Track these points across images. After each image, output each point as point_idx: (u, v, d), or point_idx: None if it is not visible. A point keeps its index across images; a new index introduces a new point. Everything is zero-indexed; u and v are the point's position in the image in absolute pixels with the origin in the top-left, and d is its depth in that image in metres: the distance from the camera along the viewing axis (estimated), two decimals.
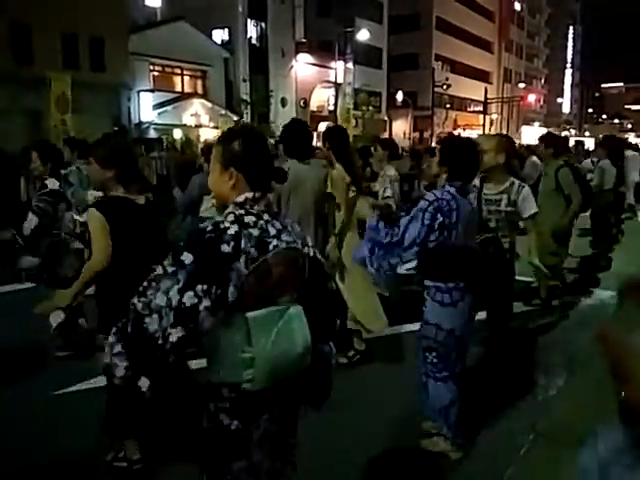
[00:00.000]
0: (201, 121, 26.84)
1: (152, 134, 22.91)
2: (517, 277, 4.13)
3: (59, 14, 19.29)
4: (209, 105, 27.11)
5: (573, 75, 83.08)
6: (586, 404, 3.23)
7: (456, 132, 42.96)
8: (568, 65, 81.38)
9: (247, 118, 29.21)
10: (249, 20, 30.62)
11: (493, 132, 44.11)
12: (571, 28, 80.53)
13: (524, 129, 58.26)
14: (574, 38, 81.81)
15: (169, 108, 25.32)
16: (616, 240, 7.69)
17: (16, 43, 18.90)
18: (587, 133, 55.60)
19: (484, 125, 44.31)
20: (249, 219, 1.59)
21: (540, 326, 4.91)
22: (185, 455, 2.81)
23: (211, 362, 1.61)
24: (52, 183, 3.96)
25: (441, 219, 2.72)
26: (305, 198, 3.71)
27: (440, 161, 2.94)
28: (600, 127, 60.00)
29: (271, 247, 1.59)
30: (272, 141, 30.04)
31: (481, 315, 4.72)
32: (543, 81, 74.48)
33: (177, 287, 1.44)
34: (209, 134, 26.37)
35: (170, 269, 1.48)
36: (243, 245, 1.53)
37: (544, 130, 54.78)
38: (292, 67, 33.22)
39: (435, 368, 2.84)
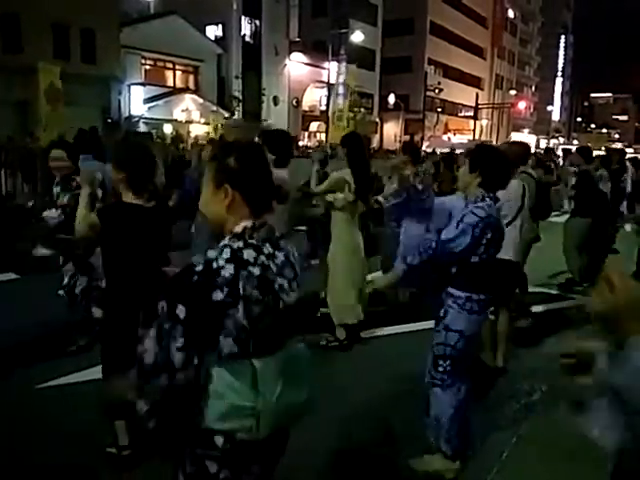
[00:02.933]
0: (192, 117, 26.69)
1: (142, 128, 22.72)
2: None
3: (49, 4, 19.09)
4: (200, 101, 26.97)
5: (563, 84, 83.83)
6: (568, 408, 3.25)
7: (446, 136, 43.28)
8: (559, 74, 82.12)
9: (238, 115, 29.12)
10: (243, 17, 30.53)
11: (483, 138, 44.44)
12: (563, 37, 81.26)
13: (514, 136, 58.72)
14: (565, 47, 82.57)
15: (160, 102, 25.15)
16: (609, 249, 7.75)
17: (5, 32, 18.67)
18: (575, 142, 56.14)
19: (474, 130, 44.59)
20: (248, 255, 1.41)
21: (522, 331, 4.94)
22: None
23: (202, 407, 1.41)
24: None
25: (490, 235, 2.66)
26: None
27: (473, 170, 2.78)
28: (588, 136, 60.60)
29: (276, 287, 1.44)
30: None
31: None
32: (534, 89, 75.12)
33: (176, 346, 1.34)
34: (199, 130, 26.25)
35: (167, 325, 1.35)
36: (242, 290, 1.36)
37: (533, 137, 55.15)
38: (285, 66, 33.17)
39: (446, 376, 2.75)
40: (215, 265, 1.37)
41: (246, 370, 1.39)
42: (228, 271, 1.36)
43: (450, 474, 2.79)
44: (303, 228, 6.94)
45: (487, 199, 2.72)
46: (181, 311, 1.34)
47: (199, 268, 1.37)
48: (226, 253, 1.39)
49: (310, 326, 3.73)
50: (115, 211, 2.71)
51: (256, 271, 1.40)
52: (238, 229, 1.46)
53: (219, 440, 1.42)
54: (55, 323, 4.36)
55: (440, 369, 2.75)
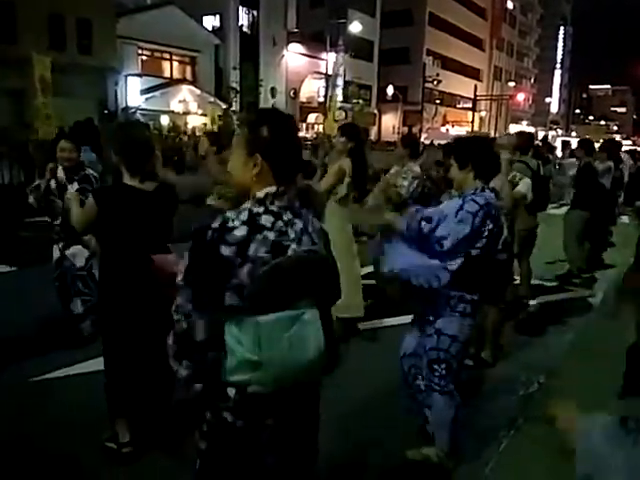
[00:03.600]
0: (189, 108, 26.55)
1: (139, 119, 22.60)
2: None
3: None
4: (198, 92, 26.82)
5: (562, 76, 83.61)
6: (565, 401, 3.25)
7: (444, 128, 43.19)
8: (558, 65, 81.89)
9: (236, 106, 28.97)
10: (241, 7, 30.31)
11: (481, 130, 44.36)
12: (562, 29, 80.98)
13: (512, 127, 58.62)
14: (564, 39, 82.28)
15: (157, 93, 25.00)
16: (606, 242, 7.74)
17: (0, 22, 18.48)
18: (574, 133, 56.05)
19: (473, 122, 44.50)
20: (266, 220, 1.47)
21: (520, 323, 4.94)
22: (175, 441, 2.81)
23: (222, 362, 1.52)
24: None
25: (490, 226, 2.55)
26: None
27: (463, 166, 2.68)
28: (587, 128, 60.52)
29: (290, 252, 1.48)
30: None
31: None
32: (532, 80, 74.93)
33: (190, 303, 1.48)
34: (197, 121, 26.12)
35: (181, 282, 1.50)
36: (252, 251, 1.43)
37: (531, 129, 55.30)
38: (283, 57, 32.98)
39: (444, 381, 2.66)
40: (230, 224, 1.45)
41: (251, 326, 1.44)
42: (241, 232, 1.44)
43: (448, 465, 2.77)
44: None
45: (487, 190, 2.65)
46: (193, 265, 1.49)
47: (215, 225, 1.46)
48: (244, 215, 1.47)
49: None
50: (112, 192, 2.71)
51: (271, 235, 1.46)
52: (260, 194, 1.51)
53: (231, 392, 1.51)
54: (51, 315, 4.33)
55: (437, 374, 2.67)
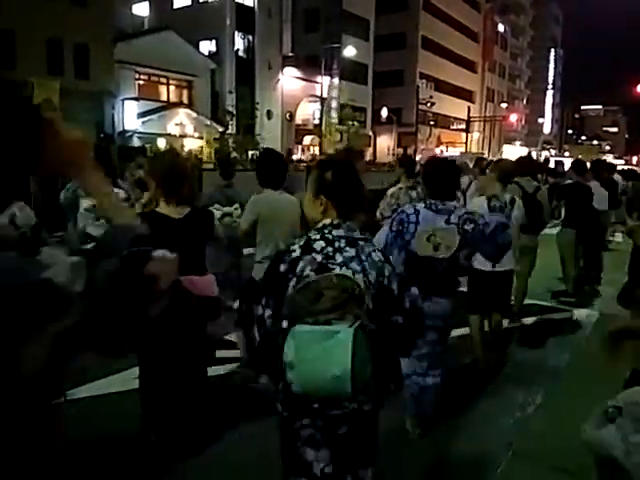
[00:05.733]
0: (186, 131, 26.77)
1: (136, 143, 22.75)
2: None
3: (43, 19, 19.16)
4: (194, 115, 27.07)
5: (554, 96, 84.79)
6: (563, 422, 3.24)
7: (439, 149, 43.57)
8: (549, 86, 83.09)
9: (232, 129, 29.23)
10: (236, 32, 30.78)
11: (475, 150, 44.79)
12: (553, 51, 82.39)
13: (505, 148, 59.19)
14: (555, 60, 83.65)
15: (154, 117, 25.22)
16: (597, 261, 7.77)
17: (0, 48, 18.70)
18: (567, 153, 56.63)
19: (467, 143, 44.93)
20: (318, 244, 1.75)
21: (517, 343, 4.93)
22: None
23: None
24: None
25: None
26: (283, 226, 3.61)
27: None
28: (579, 148, 61.14)
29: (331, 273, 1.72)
30: (257, 153, 30.04)
31: (461, 331, 4.74)
32: (525, 101, 75.93)
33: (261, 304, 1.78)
34: (193, 144, 26.31)
35: (260, 294, 1.81)
36: (298, 269, 1.71)
37: (525, 149, 55.75)
38: (278, 80, 33.40)
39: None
40: (292, 247, 1.78)
41: (291, 333, 1.67)
42: (295, 253, 1.74)
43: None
44: None
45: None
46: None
47: (285, 248, 1.83)
48: (302, 241, 1.79)
49: None
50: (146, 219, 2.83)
51: (319, 258, 1.72)
52: (319, 225, 1.82)
53: (280, 385, 1.76)
54: None
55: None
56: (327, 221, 1.80)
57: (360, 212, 1.93)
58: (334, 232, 1.77)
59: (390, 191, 5.63)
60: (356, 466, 1.82)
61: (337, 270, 1.69)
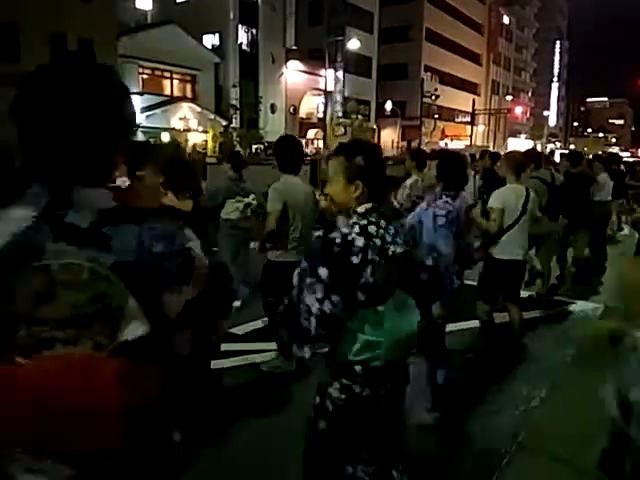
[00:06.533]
0: (190, 125, 26.76)
1: (140, 137, 22.77)
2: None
3: (47, 14, 19.16)
4: (198, 109, 27.05)
5: (559, 89, 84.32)
6: (567, 415, 3.24)
7: (443, 142, 43.42)
8: (555, 79, 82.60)
9: (236, 123, 29.21)
10: (240, 26, 30.70)
11: (480, 143, 44.60)
12: (558, 43, 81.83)
13: (510, 141, 58.93)
14: (561, 52, 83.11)
15: (157, 111, 25.21)
16: (605, 252, 7.75)
17: (2, 40, 18.71)
18: (572, 146, 56.33)
19: (471, 136, 44.75)
20: (372, 229, 1.82)
21: (523, 336, 4.93)
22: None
23: (336, 347, 1.86)
24: None
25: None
26: (305, 211, 3.77)
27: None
28: (585, 140, 60.82)
29: (390, 253, 1.83)
30: (261, 146, 29.86)
31: (468, 324, 4.74)
32: (530, 94, 75.49)
33: (315, 297, 1.74)
34: (197, 138, 26.32)
35: (309, 280, 1.76)
36: (370, 256, 1.77)
37: (530, 142, 55.46)
38: (282, 74, 33.31)
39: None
40: (350, 237, 1.78)
41: (373, 314, 1.80)
42: (360, 242, 1.77)
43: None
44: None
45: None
46: (323, 272, 1.74)
47: (338, 240, 1.77)
48: (356, 229, 1.81)
49: None
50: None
51: (377, 242, 1.81)
52: (361, 210, 1.87)
53: (358, 368, 1.85)
54: None
55: None
56: (368, 205, 1.87)
57: (388, 195, 2.07)
58: (374, 215, 1.86)
59: (408, 182, 5.83)
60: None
61: (391, 249, 1.83)
